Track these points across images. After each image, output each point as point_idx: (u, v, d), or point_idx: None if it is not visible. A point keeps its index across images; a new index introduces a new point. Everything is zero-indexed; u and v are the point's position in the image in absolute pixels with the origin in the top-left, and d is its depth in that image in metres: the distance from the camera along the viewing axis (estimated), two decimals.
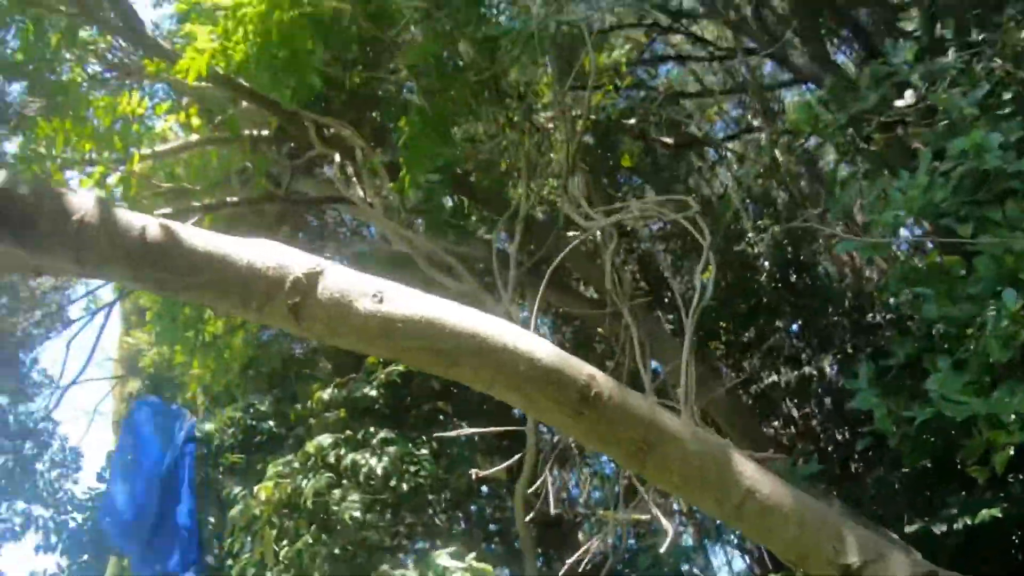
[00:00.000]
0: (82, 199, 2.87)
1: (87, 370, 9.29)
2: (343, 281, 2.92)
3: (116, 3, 7.40)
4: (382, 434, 8.67)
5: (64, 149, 7.02)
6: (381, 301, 2.89)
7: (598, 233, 6.02)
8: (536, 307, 5.09)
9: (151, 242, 2.83)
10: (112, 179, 7.58)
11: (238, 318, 7.86)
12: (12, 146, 10.46)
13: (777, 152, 9.48)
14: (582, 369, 3.06)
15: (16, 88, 10.63)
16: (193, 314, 8.48)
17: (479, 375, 2.98)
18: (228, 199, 7.65)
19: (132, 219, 2.86)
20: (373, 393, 9.29)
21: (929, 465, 6.55)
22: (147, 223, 2.87)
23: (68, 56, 9.90)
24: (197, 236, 2.90)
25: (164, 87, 9.44)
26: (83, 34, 9.62)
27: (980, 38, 5.49)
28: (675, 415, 3.68)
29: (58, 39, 9.43)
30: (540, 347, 3.00)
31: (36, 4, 8.48)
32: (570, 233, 6.51)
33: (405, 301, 2.93)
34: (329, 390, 9.20)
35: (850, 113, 5.94)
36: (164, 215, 7.41)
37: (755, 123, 12.27)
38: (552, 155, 7.76)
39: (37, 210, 2.76)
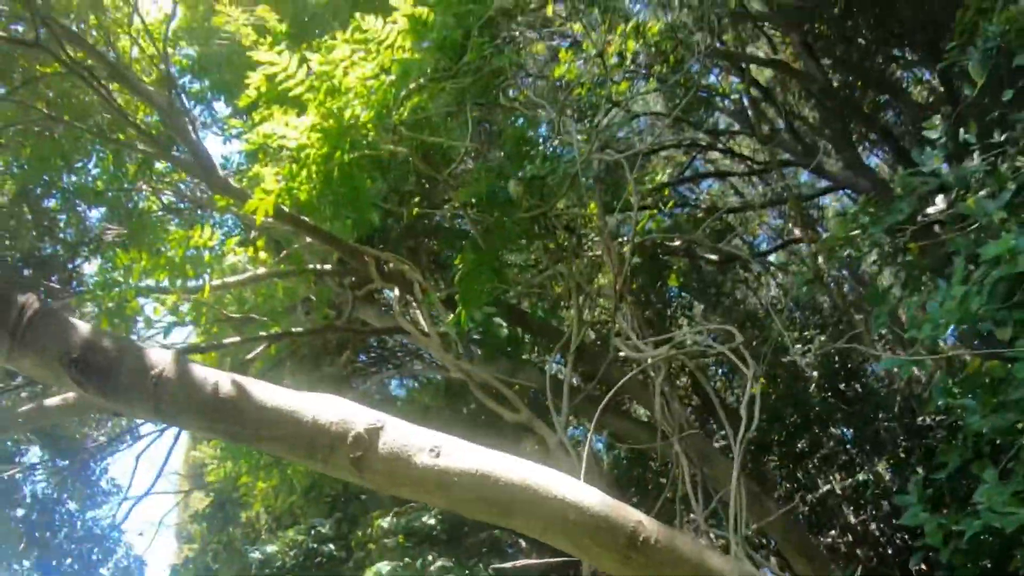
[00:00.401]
0: (160, 355, 3.21)
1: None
2: (402, 436, 3.18)
3: (189, 144, 7.87)
4: (440, 562, 8.77)
5: (140, 278, 7.31)
6: (438, 455, 3.14)
7: (647, 360, 6.16)
8: (590, 437, 5.26)
9: (223, 397, 3.15)
10: (185, 307, 8.00)
11: None
12: (91, 267, 11.09)
13: (820, 259, 9.66)
14: (629, 515, 3.26)
15: (95, 214, 11.23)
16: None
17: (531, 524, 3.18)
18: (292, 329, 7.95)
19: (206, 375, 3.19)
20: (431, 521, 9.41)
21: (989, 566, 6.48)
22: (220, 379, 3.19)
23: (144, 186, 10.54)
24: (266, 392, 3.20)
25: (234, 218, 9.91)
26: (159, 166, 10.27)
27: (1002, 138, 5.57)
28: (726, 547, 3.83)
29: (135, 169, 10.06)
30: (589, 496, 3.21)
31: (115, 140, 9.08)
32: (622, 353, 6.67)
33: (461, 455, 3.18)
34: (389, 518, 9.34)
35: (884, 227, 6.09)
36: (233, 343, 7.83)
37: (796, 232, 12.53)
38: (602, 278, 7.98)
39: (119, 363, 3.11)
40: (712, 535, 5.68)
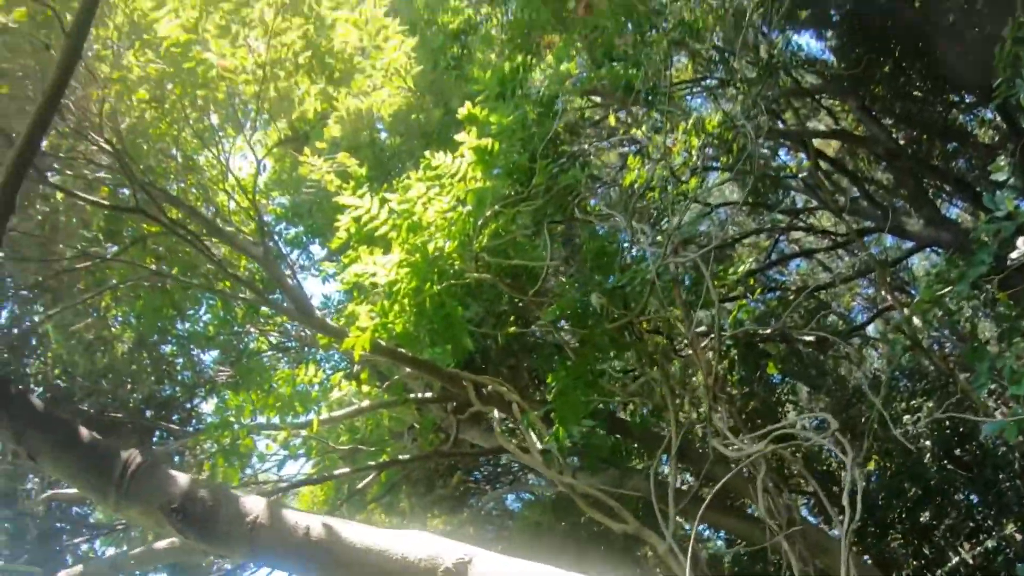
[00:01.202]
0: (255, 502, 3.48)
1: None
2: (491, 568, 3.28)
3: (287, 289, 8.28)
4: None
5: (251, 416, 7.63)
6: None
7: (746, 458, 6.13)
8: (692, 542, 5.30)
9: (315, 540, 3.36)
10: (296, 441, 8.34)
11: None
12: (207, 406, 11.61)
13: (917, 321, 9.47)
14: None
15: (209, 357, 11.80)
16: None
17: None
18: (399, 457, 8.18)
19: (298, 519, 3.42)
20: None
21: None
22: (311, 522, 3.41)
23: (252, 329, 11.07)
24: (356, 533, 3.39)
25: (340, 353, 10.29)
26: (265, 309, 10.79)
27: None
28: None
29: (243, 314, 10.60)
30: None
31: (220, 291, 9.62)
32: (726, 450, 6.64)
33: None
34: None
35: (970, 282, 5.99)
36: (343, 474, 8.10)
37: (888, 299, 12.36)
38: (697, 379, 8.02)
39: (216, 511, 3.40)
40: None
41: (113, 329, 10.86)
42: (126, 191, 8.92)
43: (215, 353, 11.47)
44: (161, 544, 6.59)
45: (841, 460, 11.14)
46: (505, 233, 7.20)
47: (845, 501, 5.14)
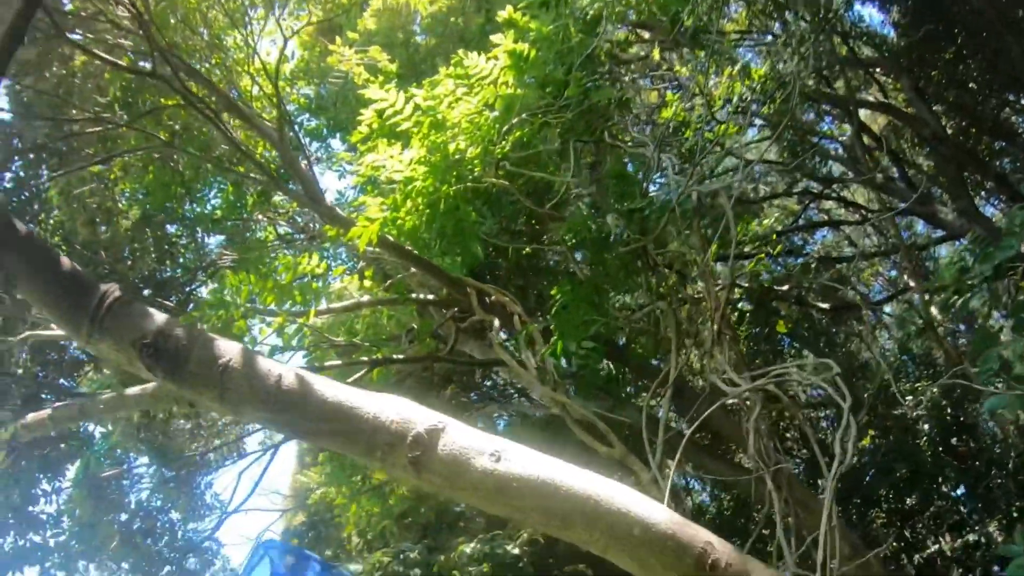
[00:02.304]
0: (229, 346, 3.32)
1: (256, 500, 9.77)
2: (463, 438, 3.17)
3: (298, 173, 8.13)
4: None
5: (248, 300, 7.50)
6: (498, 460, 3.10)
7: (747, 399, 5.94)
8: (673, 470, 5.14)
9: (286, 389, 3.21)
10: (290, 330, 8.20)
11: None
12: (207, 290, 11.49)
13: (934, 310, 9.26)
14: (698, 535, 3.13)
15: (213, 241, 11.69)
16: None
17: (592, 537, 3.07)
18: (394, 356, 8.03)
19: (271, 367, 3.27)
20: (516, 551, 9.20)
21: None
22: (284, 372, 3.26)
23: (262, 217, 10.96)
24: (329, 387, 3.26)
25: (347, 251, 10.16)
26: (276, 199, 10.66)
27: None
28: None
29: (253, 201, 10.48)
30: (655, 512, 3.11)
31: (234, 172, 9.48)
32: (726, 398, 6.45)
33: (522, 461, 3.14)
34: (472, 544, 9.21)
35: (994, 264, 5.80)
36: (334, 367, 7.97)
37: (911, 283, 12.12)
38: (704, 323, 7.82)
39: (189, 351, 3.24)
40: None
41: (120, 204, 10.75)
42: (147, 65, 8.78)
43: (220, 238, 11.36)
44: (133, 390, 6.47)
45: (835, 431, 11.05)
46: (529, 145, 6.96)
47: (836, 447, 4.97)
